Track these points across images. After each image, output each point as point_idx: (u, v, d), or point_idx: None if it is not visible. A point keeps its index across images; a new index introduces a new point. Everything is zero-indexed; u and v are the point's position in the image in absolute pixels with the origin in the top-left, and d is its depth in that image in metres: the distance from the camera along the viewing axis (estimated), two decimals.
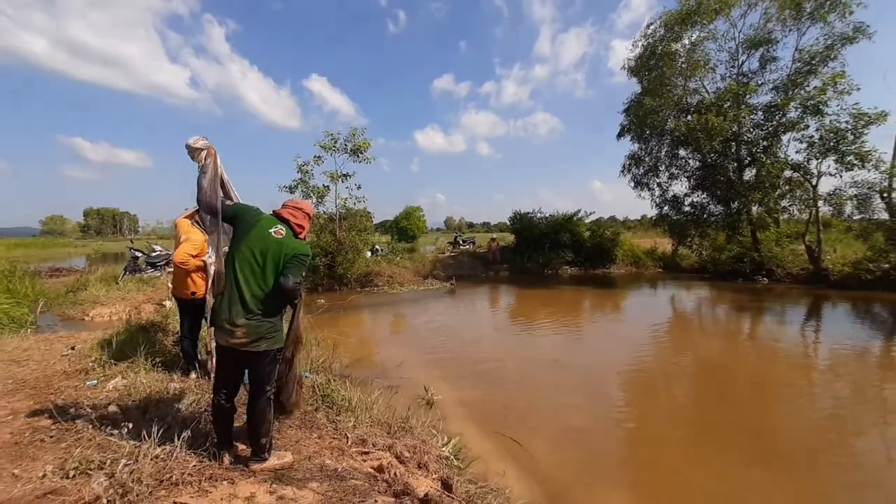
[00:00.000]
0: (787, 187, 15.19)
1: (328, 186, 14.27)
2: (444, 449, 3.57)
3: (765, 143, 15.29)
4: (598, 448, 4.00)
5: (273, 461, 2.64)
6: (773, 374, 5.98)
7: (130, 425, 2.85)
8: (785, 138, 15.06)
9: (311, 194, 14.08)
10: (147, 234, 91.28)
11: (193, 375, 4.09)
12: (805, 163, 14.54)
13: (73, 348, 4.94)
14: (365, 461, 2.96)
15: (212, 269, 4.12)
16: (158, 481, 2.35)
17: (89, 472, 2.44)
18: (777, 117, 14.86)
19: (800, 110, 14.36)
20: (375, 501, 2.43)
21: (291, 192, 13.88)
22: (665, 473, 3.64)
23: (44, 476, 2.43)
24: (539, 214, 20.45)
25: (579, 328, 8.96)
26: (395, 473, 2.80)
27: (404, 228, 31.64)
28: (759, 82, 15.78)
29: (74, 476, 2.41)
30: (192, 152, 2.76)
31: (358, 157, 14.22)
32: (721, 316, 10.47)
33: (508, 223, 21.58)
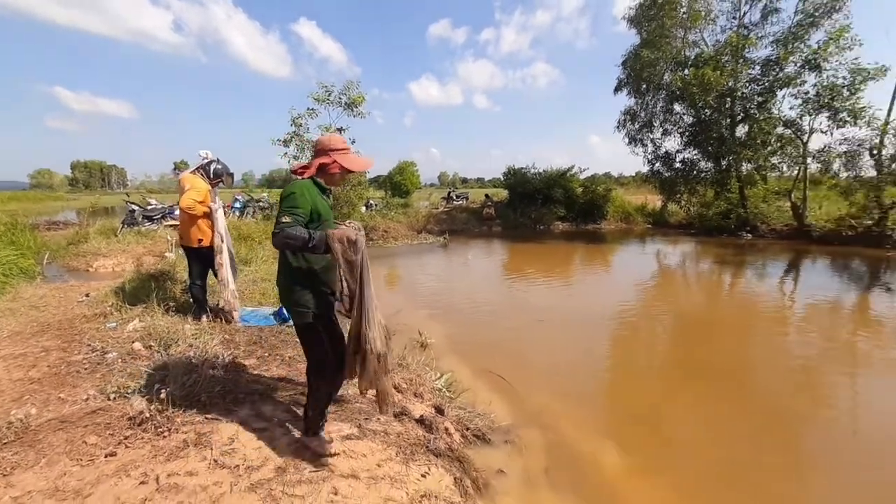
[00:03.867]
0: (777, 144, 15.29)
1: None
2: (437, 382, 3.97)
3: (760, 98, 15.17)
4: (580, 381, 4.42)
5: (313, 445, 2.37)
6: (750, 323, 6.41)
7: (158, 357, 3.19)
8: (780, 94, 14.92)
9: (305, 148, 14.03)
10: (136, 187, 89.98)
11: (205, 319, 4.42)
12: (798, 119, 14.52)
13: (87, 295, 5.24)
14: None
15: (218, 216, 4.39)
16: (190, 402, 2.71)
17: (127, 395, 2.80)
18: (774, 72, 14.72)
19: (799, 65, 14.21)
20: (378, 419, 2.83)
21: (286, 146, 13.83)
22: (640, 404, 4.09)
23: (87, 399, 2.79)
24: (533, 170, 20.51)
25: (569, 281, 9.37)
26: (394, 400, 3.19)
27: (398, 184, 31.41)
28: (760, 35, 15.48)
29: (115, 398, 2.77)
30: None
31: (353, 111, 14.08)
32: (704, 270, 10.91)
33: (502, 178, 21.65)
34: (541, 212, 18.93)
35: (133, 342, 3.69)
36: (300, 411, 2.78)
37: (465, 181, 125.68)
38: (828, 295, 7.63)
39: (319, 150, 2.35)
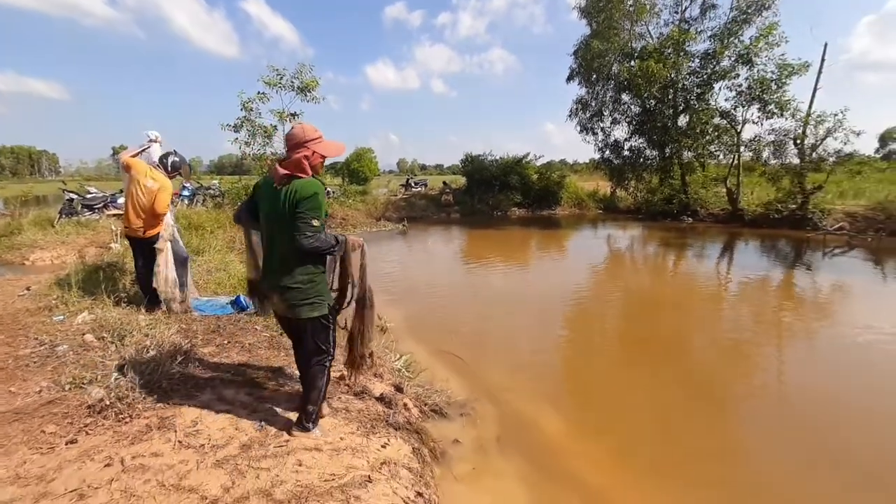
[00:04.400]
0: (715, 133, 16.33)
1: (276, 126, 13.82)
2: (396, 363, 4.15)
3: (699, 90, 16.14)
4: (533, 360, 4.73)
5: (315, 433, 2.48)
6: (689, 301, 6.98)
7: (113, 348, 3.17)
8: (717, 86, 15.91)
9: (257, 133, 13.62)
10: (71, 174, 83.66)
11: (160, 310, 4.36)
12: (732, 110, 15.57)
13: (28, 289, 5.01)
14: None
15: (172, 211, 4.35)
16: (150, 389, 2.75)
17: (83, 385, 2.80)
18: (712, 65, 15.64)
19: (733, 59, 15.17)
20: (340, 398, 2.98)
21: (236, 131, 13.38)
22: (589, 381, 4.46)
23: (40, 391, 2.76)
24: (490, 157, 20.83)
25: (525, 265, 9.76)
26: (354, 380, 3.33)
27: (356, 171, 31.01)
28: (699, 30, 16.37)
29: (70, 389, 2.76)
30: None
31: (306, 95, 13.76)
32: (650, 253, 11.63)
33: (460, 165, 21.88)
34: (498, 198, 19.34)
35: (84, 334, 3.62)
36: (263, 394, 2.89)
37: (423, 168, 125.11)
38: (757, 273, 8.40)
39: (296, 143, 2.27)
